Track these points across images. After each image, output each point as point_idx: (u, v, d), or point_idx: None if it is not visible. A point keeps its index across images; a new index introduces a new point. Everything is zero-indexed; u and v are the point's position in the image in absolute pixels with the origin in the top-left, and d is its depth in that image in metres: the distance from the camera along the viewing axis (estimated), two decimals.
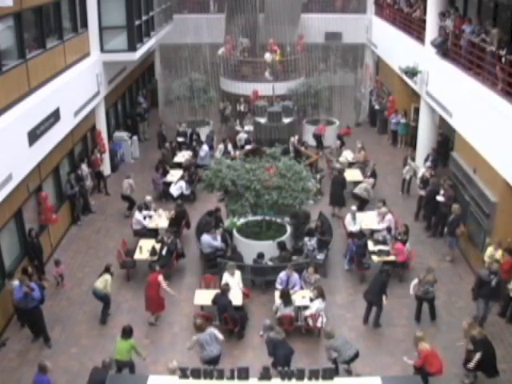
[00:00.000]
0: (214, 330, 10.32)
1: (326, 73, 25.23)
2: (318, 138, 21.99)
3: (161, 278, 12.11)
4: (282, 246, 13.77)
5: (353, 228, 15.03)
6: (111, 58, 18.25)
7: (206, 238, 13.99)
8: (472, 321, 10.52)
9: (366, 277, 13.81)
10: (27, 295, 11.24)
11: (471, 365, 10.15)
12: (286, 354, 10.27)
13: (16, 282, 11.50)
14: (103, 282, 12.20)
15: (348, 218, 15.31)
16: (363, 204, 16.85)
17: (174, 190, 17.61)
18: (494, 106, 12.28)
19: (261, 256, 13.50)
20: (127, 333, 10.35)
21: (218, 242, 14.01)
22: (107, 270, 12.41)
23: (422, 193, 16.22)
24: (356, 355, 10.44)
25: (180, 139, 21.89)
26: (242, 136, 21.92)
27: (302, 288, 12.63)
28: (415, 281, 12.32)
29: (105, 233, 16.32)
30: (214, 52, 25.99)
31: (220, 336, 10.32)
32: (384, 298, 12.14)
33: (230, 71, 24.94)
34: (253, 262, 13.54)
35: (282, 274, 12.68)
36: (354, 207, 15.65)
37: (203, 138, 21.73)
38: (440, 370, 10.01)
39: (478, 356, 10.06)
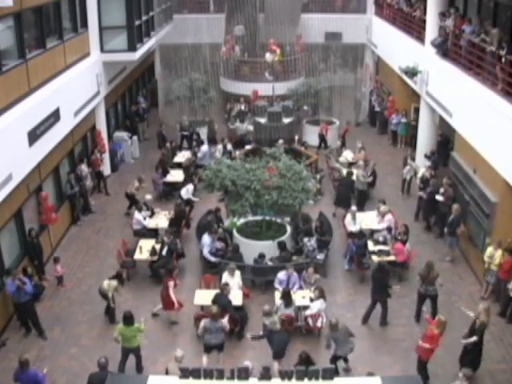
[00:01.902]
0: (224, 322, 10.61)
1: (325, 73, 25.24)
2: (322, 137, 21.99)
3: (171, 283, 12.17)
4: (282, 246, 13.76)
5: (353, 228, 15.02)
6: (111, 57, 18.24)
7: (206, 238, 13.96)
8: (489, 307, 10.58)
9: (366, 277, 13.81)
10: (19, 289, 11.33)
11: (464, 341, 10.36)
12: (282, 340, 10.36)
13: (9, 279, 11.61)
14: (107, 285, 12.25)
15: (348, 218, 15.30)
16: (363, 199, 16.86)
17: (184, 193, 17.38)
18: (494, 106, 12.27)
19: (262, 256, 13.50)
20: (129, 318, 10.45)
21: (205, 250, 13.79)
22: (117, 276, 12.44)
23: (423, 195, 16.16)
24: (351, 350, 10.58)
25: (184, 133, 21.96)
26: (241, 126, 21.93)
27: (301, 288, 12.64)
28: (418, 278, 12.34)
29: (105, 233, 16.32)
30: (214, 52, 25.99)
31: (227, 326, 10.73)
32: (393, 289, 12.22)
33: (230, 71, 24.96)
34: (253, 261, 13.54)
35: (281, 274, 12.67)
36: (354, 207, 15.65)
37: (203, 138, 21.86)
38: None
39: (474, 339, 10.23)
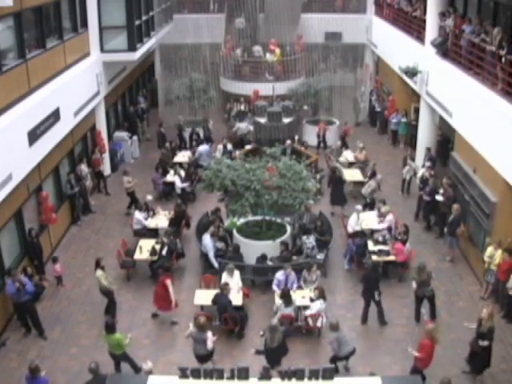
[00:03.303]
0: (209, 336, 10.20)
1: (325, 73, 25.23)
2: (321, 137, 21.98)
3: (168, 281, 12.10)
4: (285, 246, 13.76)
5: (357, 227, 14.91)
6: (111, 57, 18.24)
7: (207, 240, 13.95)
8: (492, 310, 10.62)
9: None
10: (19, 290, 11.33)
11: (482, 343, 10.39)
12: (277, 355, 10.24)
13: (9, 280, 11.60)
14: (98, 278, 12.27)
15: (354, 217, 15.03)
16: (367, 205, 16.89)
17: (177, 187, 17.54)
18: (494, 106, 12.28)
19: (264, 257, 13.49)
20: (109, 327, 10.35)
21: (210, 254, 13.73)
22: (97, 265, 12.40)
23: (426, 198, 16.08)
24: (353, 352, 10.56)
25: (184, 132, 22.01)
26: (242, 126, 21.95)
27: (300, 287, 12.63)
28: (413, 283, 12.35)
29: (105, 233, 16.32)
30: (214, 52, 25.99)
31: (210, 344, 10.16)
32: (376, 294, 12.16)
33: (230, 71, 24.95)
34: (256, 261, 13.52)
35: (279, 274, 12.66)
36: (358, 206, 15.54)
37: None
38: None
39: (486, 343, 10.30)
